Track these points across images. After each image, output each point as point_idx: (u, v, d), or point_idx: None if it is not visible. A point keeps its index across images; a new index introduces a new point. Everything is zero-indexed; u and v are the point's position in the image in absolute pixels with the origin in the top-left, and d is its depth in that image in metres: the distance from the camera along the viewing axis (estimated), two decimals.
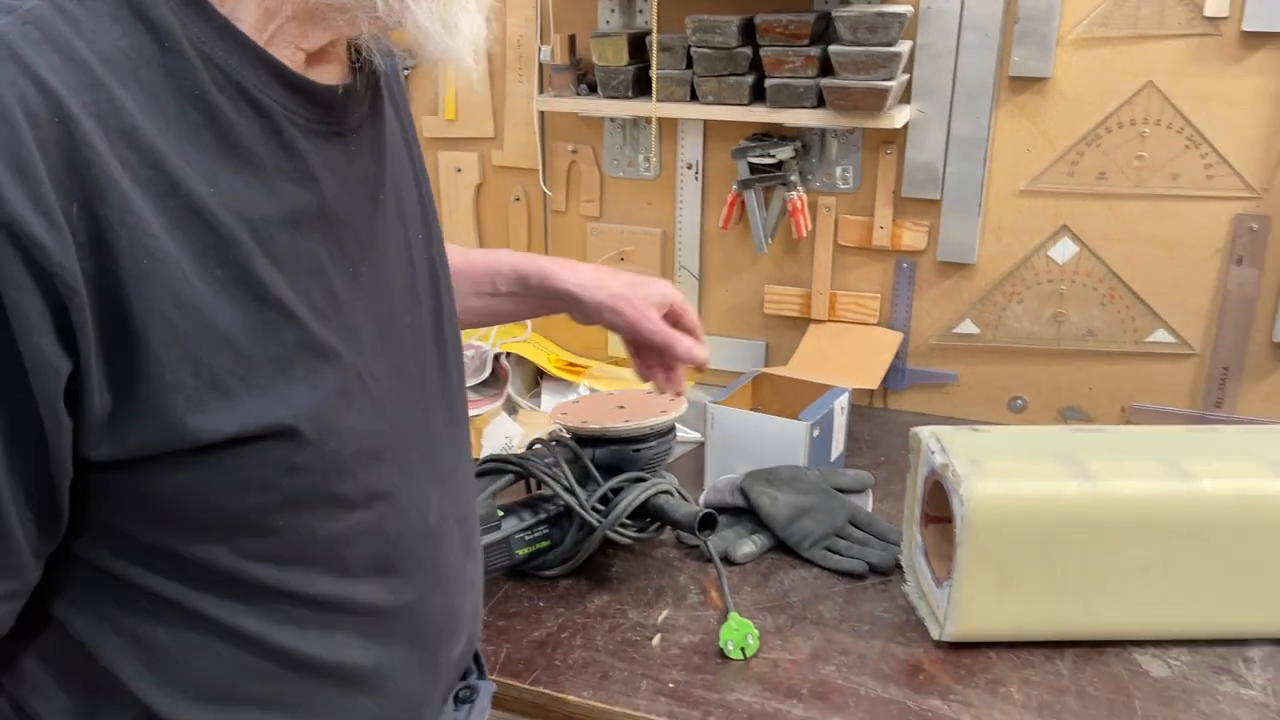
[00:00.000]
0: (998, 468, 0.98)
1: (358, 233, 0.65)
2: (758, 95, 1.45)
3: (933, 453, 1.03)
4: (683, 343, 0.96)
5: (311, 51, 0.61)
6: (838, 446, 1.38)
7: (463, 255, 1.00)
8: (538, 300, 0.99)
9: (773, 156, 1.50)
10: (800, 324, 1.62)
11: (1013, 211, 1.46)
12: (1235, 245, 1.38)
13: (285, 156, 0.60)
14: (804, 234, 1.54)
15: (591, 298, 0.96)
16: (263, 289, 0.58)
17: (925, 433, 1.07)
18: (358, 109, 0.66)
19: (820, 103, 1.40)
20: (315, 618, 0.65)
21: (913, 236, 1.52)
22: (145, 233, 0.52)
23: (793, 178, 1.51)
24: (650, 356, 1.01)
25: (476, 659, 0.84)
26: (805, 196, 1.53)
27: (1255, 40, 1.29)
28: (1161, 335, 1.45)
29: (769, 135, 1.53)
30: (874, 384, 1.51)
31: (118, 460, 0.55)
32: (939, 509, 1.04)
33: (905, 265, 1.54)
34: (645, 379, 1.03)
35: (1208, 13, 1.30)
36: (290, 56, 0.60)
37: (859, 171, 1.52)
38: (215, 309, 0.55)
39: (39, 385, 0.51)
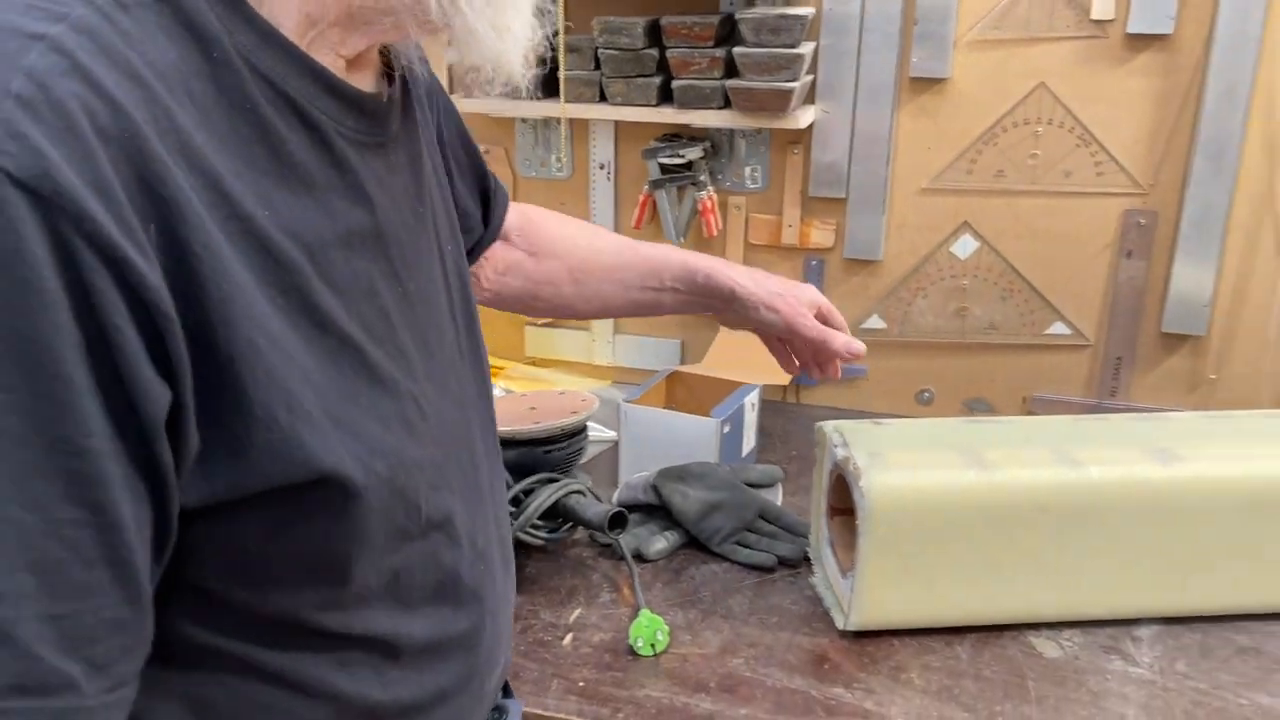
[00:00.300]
0: (897, 460, 1.01)
1: (404, 248, 0.62)
2: (666, 96, 1.47)
3: (836, 446, 1.05)
4: (838, 338, 1.00)
5: (350, 58, 0.58)
6: (749, 442, 1.40)
7: (632, 248, 1.03)
8: (698, 298, 1.02)
9: (682, 157, 1.51)
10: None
11: (916, 209, 1.50)
12: (1125, 239, 1.43)
13: (337, 173, 0.57)
14: (715, 233, 1.56)
15: (751, 296, 0.99)
16: (324, 317, 0.54)
17: (829, 427, 1.09)
18: (396, 117, 0.63)
19: (727, 104, 1.42)
20: (371, 659, 0.62)
21: (821, 234, 1.55)
22: (222, 257, 0.49)
23: (702, 177, 1.53)
24: (803, 353, 1.04)
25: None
26: (716, 196, 1.55)
27: (1139, 42, 1.35)
28: (1059, 327, 1.50)
29: (679, 136, 1.55)
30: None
31: (203, 506, 0.51)
32: (844, 501, 1.07)
33: (814, 263, 1.57)
34: (793, 373, 1.07)
35: (1094, 15, 1.35)
36: (331, 63, 0.57)
37: (767, 171, 1.55)
38: (288, 340, 0.52)
39: (147, 416, 0.46)
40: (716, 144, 1.55)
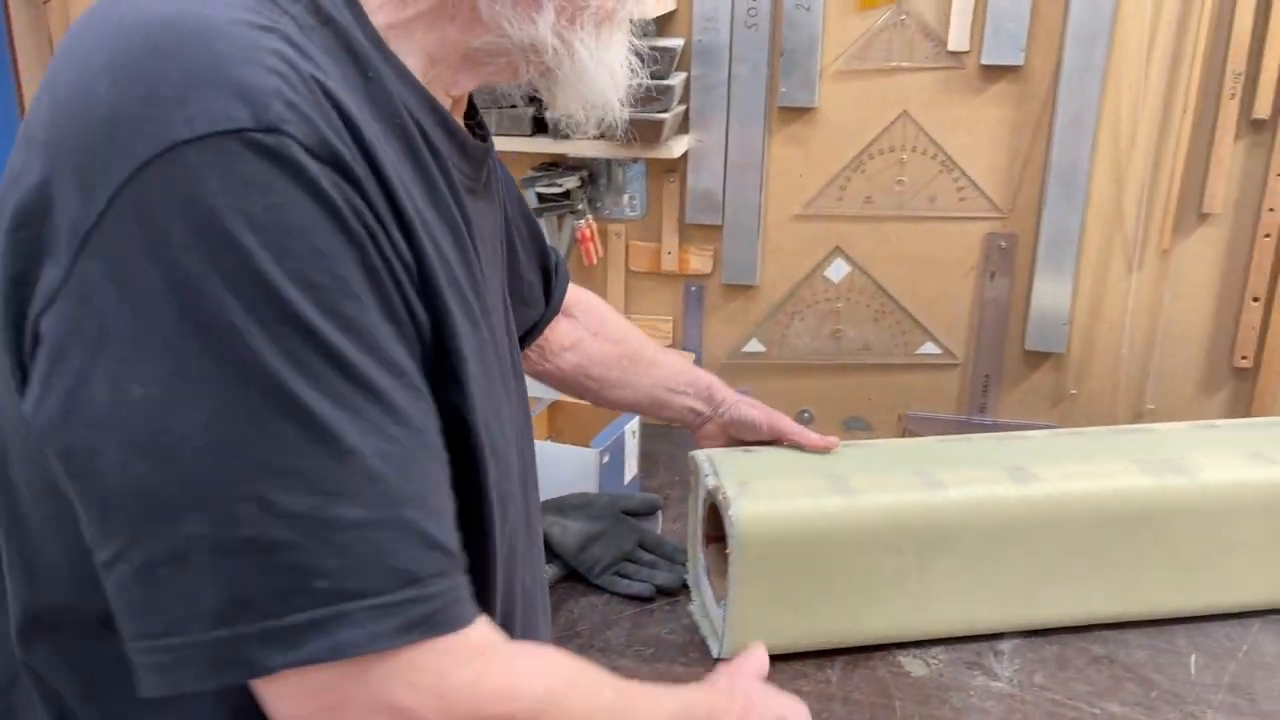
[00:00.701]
0: (765, 488, 1.02)
1: (485, 293, 0.64)
2: (541, 127, 1.47)
3: (707, 475, 1.06)
4: (812, 434, 1.09)
5: (457, 97, 0.60)
6: (630, 470, 1.41)
7: (663, 350, 1.11)
8: (699, 403, 1.09)
9: (560, 186, 1.52)
10: None
11: (790, 234, 1.53)
12: (988, 261, 1.48)
13: (456, 207, 0.59)
14: (594, 261, 1.56)
15: (741, 399, 1.09)
16: (475, 313, 0.59)
17: (701, 456, 1.10)
18: (487, 166, 0.65)
19: (601, 134, 1.43)
20: None
21: (699, 260, 1.57)
22: (422, 231, 0.54)
23: (580, 206, 1.54)
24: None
25: None
26: (595, 224, 1.56)
27: (993, 73, 1.40)
28: (930, 347, 1.54)
29: (556, 165, 1.55)
30: None
31: None
32: (718, 529, 1.08)
33: (694, 288, 1.59)
34: None
35: (951, 47, 1.40)
36: (443, 101, 0.59)
37: (645, 199, 1.56)
38: (462, 321, 0.57)
39: (415, 350, 0.53)
40: (594, 173, 1.56)
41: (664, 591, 1.17)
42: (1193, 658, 1.06)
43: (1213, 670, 1.04)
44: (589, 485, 1.29)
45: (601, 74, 0.61)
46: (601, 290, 1.62)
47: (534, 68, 0.60)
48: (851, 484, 1.03)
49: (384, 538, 0.48)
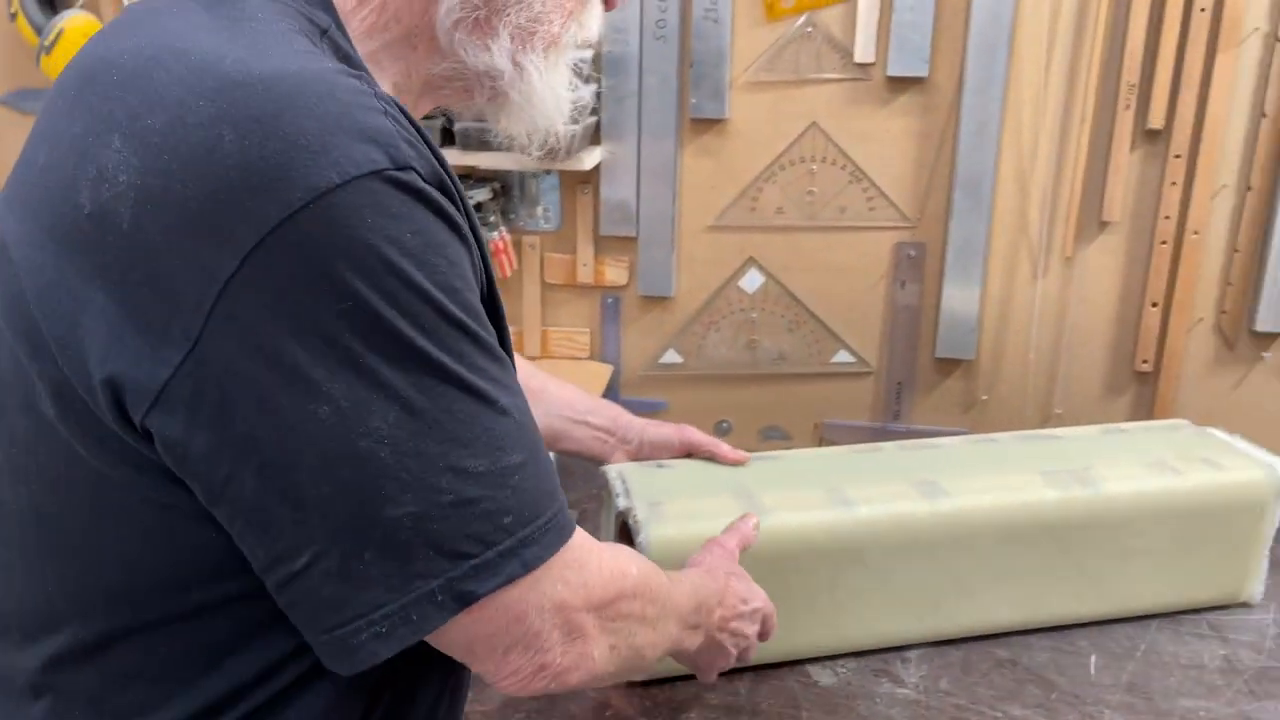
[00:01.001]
0: (677, 510, 1.01)
1: None
2: (450, 138, 1.45)
3: (618, 495, 1.06)
4: (723, 445, 1.11)
5: None
6: None
7: (554, 379, 1.11)
8: (602, 431, 1.11)
9: (471, 198, 1.50)
10: None
11: (704, 245, 1.53)
12: (898, 270, 1.50)
13: None
14: (508, 273, 1.55)
15: (650, 420, 1.12)
16: (504, 327, 0.64)
17: (612, 473, 1.09)
18: None
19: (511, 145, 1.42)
20: None
21: (614, 272, 1.57)
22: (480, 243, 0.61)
23: (493, 218, 1.53)
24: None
25: None
26: (509, 236, 1.55)
27: (899, 84, 1.42)
28: (843, 356, 1.56)
29: (468, 177, 1.54)
30: None
31: None
32: (631, 545, 1.07)
33: (610, 300, 1.59)
34: None
35: (857, 59, 1.41)
36: None
37: (560, 211, 1.55)
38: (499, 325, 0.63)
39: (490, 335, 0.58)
40: (507, 185, 1.55)
41: None
42: (1092, 659, 1.07)
43: (1111, 670, 1.05)
44: None
45: (549, 97, 0.65)
46: (517, 303, 1.61)
47: (487, 92, 0.64)
48: (764, 503, 1.03)
49: (537, 472, 0.58)
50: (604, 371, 1.61)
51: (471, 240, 0.58)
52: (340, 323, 0.51)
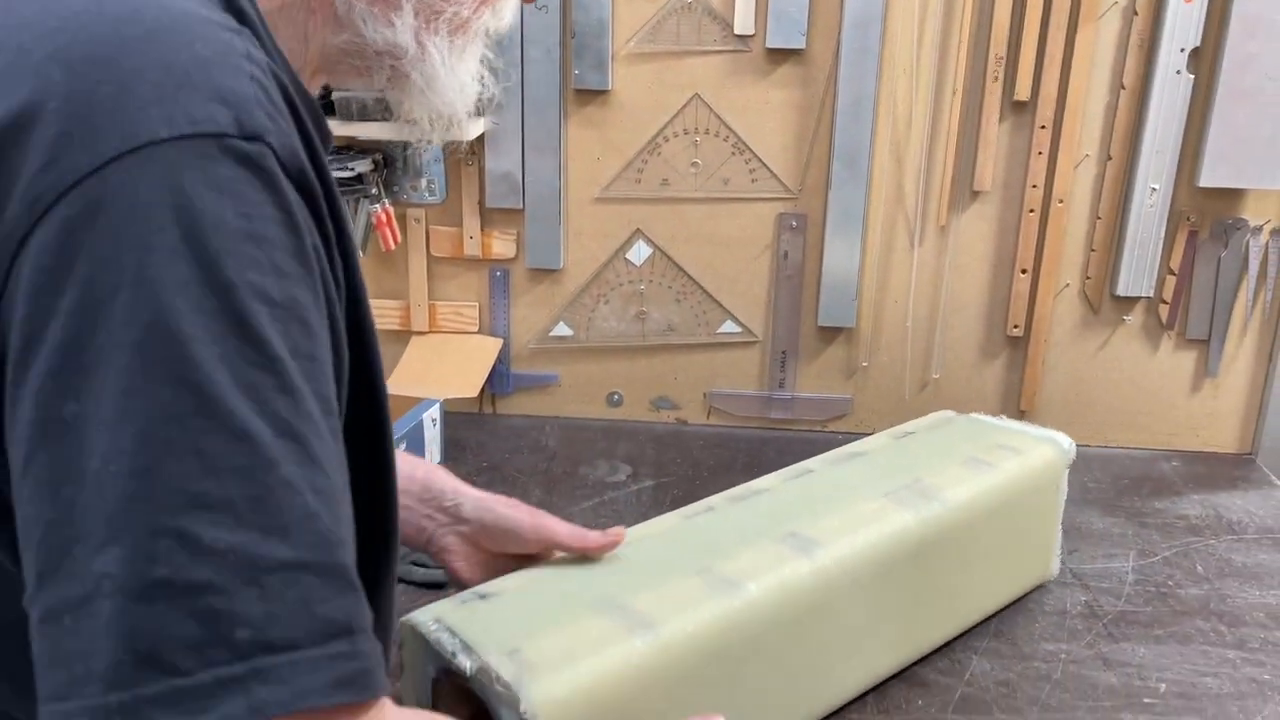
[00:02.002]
0: (545, 652, 0.75)
1: None
2: (329, 109, 1.42)
3: (453, 653, 0.74)
4: (592, 533, 0.87)
5: None
6: (433, 457, 1.39)
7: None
8: (417, 504, 0.87)
9: (351, 170, 1.47)
10: (403, 337, 1.61)
11: (591, 217, 1.54)
12: (780, 241, 1.53)
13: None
14: (392, 247, 1.53)
15: (483, 496, 0.87)
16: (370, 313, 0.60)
17: (427, 621, 0.78)
18: None
19: (391, 115, 1.40)
20: None
21: (502, 245, 1.56)
22: (347, 224, 0.55)
23: (375, 190, 1.50)
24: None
25: None
26: (392, 209, 1.53)
27: (778, 56, 1.44)
28: (730, 326, 1.58)
29: (348, 148, 1.51)
30: (473, 392, 1.53)
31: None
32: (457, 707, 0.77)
33: (499, 273, 1.58)
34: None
35: (737, 30, 1.43)
36: None
37: (445, 183, 1.53)
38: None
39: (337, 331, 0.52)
40: (389, 156, 1.52)
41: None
42: None
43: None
44: None
45: (452, 83, 0.62)
46: (403, 277, 1.59)
47: (387, 71, 0.61)
48: (640, 611, 0.80)
49: (315, 583, 0.43)
50: (493, 345, 1.60)
51: (322, 254, 0.49)
52: (111, 305, 0.42)
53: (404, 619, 0.80)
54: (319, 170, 0.51)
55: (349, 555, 0.46)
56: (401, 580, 1.15)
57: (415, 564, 1.17)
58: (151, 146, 0.43)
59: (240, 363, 0.43)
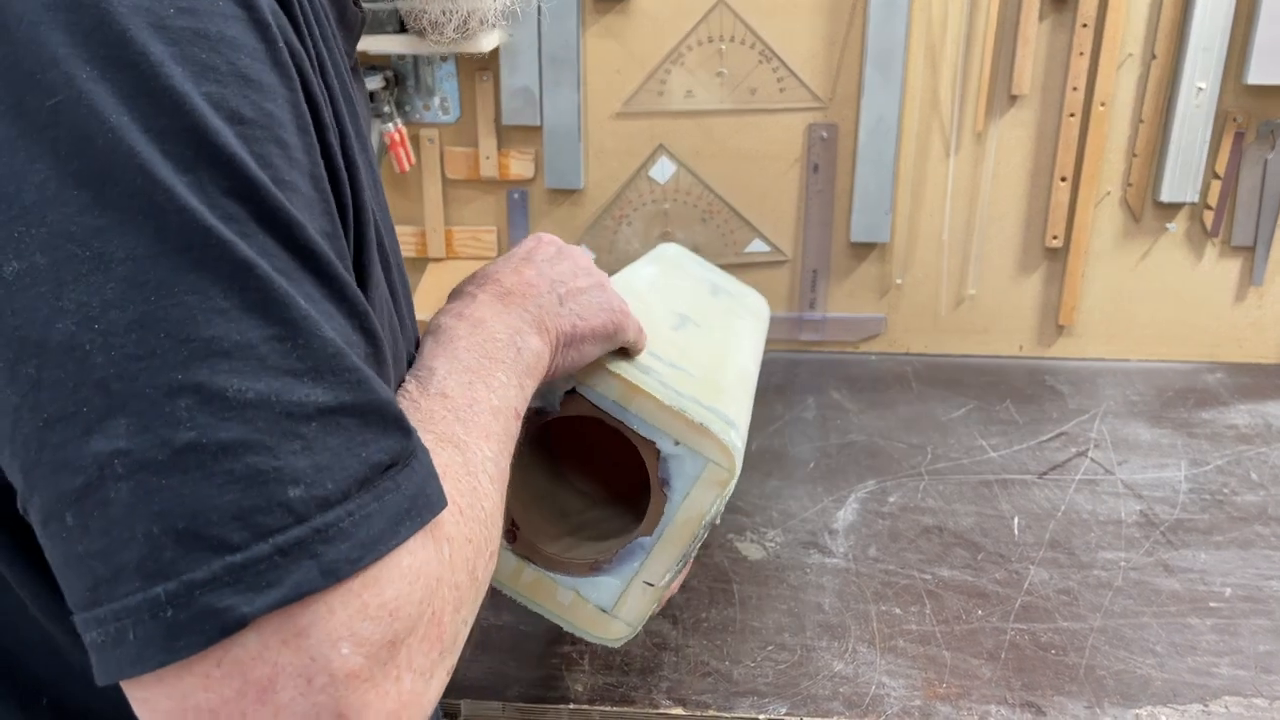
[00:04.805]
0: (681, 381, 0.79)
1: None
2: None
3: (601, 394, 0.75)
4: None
5: None
6: None
7: None
8: None
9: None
10: (419, 264, 1.56)
11: (612, 134, 1.48)
12: (810, 154, 1.47)
13: (350, 82, 0.53)
14: (406, 169, 1.47)
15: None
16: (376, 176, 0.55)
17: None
18: (354, 44, 0.57)
19: (403, 28, 1.34)
20: None
21: (520, 165, 1.50)
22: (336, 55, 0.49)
23: (386, 109, 1.44)
24: None
25: None
26: (405, 129, 1.47)
27: None
28: (758, 245, 1.53)
29: (356, 66, 1.45)
30: None
31: None
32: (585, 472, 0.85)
33: (517, 195, 1.52)
34: None
35: None
36: None
37: (458, 101, 1.47)
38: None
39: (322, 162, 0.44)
40: (400, 73, 1.46)
41: None
42: (1015, 520, 1.08)
43: (1034, 530, 1.06)
44: None
45: None
46: (418, 202, 1.53)
47: None
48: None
49: (356, 424, 0.38)
50: None
51: (308, 84, 0.42)
52: (45, 122, 0.34)
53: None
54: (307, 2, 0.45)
55: (384, 389, 0.41)
56: None
57: None
58: None
59: (214, 190, 0.36)
